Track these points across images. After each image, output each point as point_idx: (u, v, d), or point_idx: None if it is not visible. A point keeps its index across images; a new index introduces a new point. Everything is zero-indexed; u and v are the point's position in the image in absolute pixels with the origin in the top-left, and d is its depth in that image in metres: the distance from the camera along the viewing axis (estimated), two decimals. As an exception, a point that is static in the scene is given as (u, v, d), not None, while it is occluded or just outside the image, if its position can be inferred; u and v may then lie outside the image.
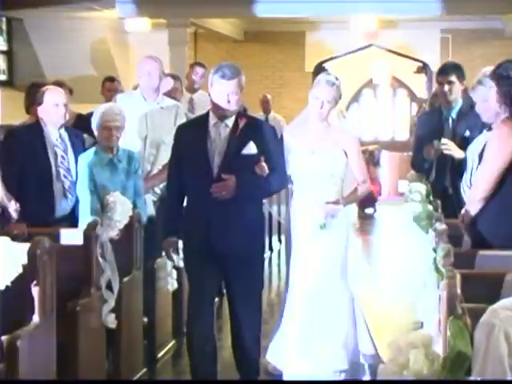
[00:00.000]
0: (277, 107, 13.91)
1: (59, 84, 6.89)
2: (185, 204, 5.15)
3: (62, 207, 5.75)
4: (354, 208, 14.84)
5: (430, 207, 5.19)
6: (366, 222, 14.21)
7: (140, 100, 6.53)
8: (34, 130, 5.77)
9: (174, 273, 5.83)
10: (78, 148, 5.94)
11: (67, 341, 4.58)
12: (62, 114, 5.77)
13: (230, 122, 4.98)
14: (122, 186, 5.84)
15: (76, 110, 7.81)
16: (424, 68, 17.30)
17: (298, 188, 5.66)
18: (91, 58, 14.75)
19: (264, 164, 4.93)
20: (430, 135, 6.19)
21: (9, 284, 3.58)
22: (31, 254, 4.01)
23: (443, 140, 5.98)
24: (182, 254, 5.14)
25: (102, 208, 5.36)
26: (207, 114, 5.07)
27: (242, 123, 4.98)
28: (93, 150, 5.97)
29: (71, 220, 5.77)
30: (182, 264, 5.37)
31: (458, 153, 5.85)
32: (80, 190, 5.84)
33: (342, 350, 5.50)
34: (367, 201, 14.80)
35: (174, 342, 6.45)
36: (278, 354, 5.60)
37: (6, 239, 3.65)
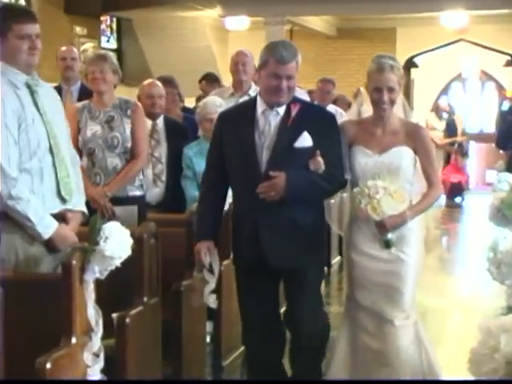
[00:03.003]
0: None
1: (170, 79, 6.99)
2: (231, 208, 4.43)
3: (153, 194, 5.81)
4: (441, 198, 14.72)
5: (519, 196, 5.07)
6: (453, 210, 14.09)
7: (231, 93, 6.58)
8: None
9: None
10: (177, 138, 5.99)
11: (172, 319, 4.64)
12: (154, 105, 5.84)
13: (282, 109, 4.04)
14: (221, 175, 5.88)
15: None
16: (512, 61, 16.90)
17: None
18: (193, 55, 14.89)
19: (320, 159, 3.98)
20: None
21: (119, 265, 3.64)
22: (138, 238, 4.09)
23: None
24: (214, 262, 4.27)
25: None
26: (255, 100, 4.12)
27: (295, 110, 4.02)
28: (197, 140, 6.08)
29: (164, 207, 5.78)
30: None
31: None
32: (183, 178, 5.93)
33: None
34: (455, 190, 14.65)
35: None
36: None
37: (116, 224, 3.72)
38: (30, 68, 3.89)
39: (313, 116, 4.10)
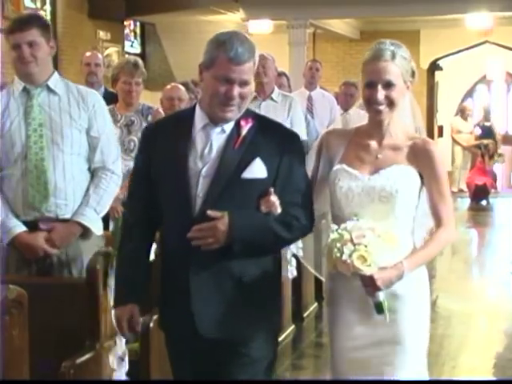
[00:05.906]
0: (392, 103, 13.75)
1: (195, 84, 7.01)
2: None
3: None
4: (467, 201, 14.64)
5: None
6: (478, 213, 14.02)
7: (253, 97, 6.61)
8: None
9: (294, 261, 5.84)
10: None
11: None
12: (173, 107, 5.87)
13: (229, 125, 2.92)
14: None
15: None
16: (538, 63, 16.80)
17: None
18: (216, 59, 14.92)
19: (274, 199, 2.88)
20: None
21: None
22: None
23: None
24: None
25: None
26: (192, 111, 2.99)
27: (246, 128, 2.92)
28: None
29: None
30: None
31: None
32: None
33: None
34: (480, 193, 14.58)
35: (293, 326, 6.47)
36: None
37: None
38: (27, 76, 3.89)
39: (269, 136, 2.94)
